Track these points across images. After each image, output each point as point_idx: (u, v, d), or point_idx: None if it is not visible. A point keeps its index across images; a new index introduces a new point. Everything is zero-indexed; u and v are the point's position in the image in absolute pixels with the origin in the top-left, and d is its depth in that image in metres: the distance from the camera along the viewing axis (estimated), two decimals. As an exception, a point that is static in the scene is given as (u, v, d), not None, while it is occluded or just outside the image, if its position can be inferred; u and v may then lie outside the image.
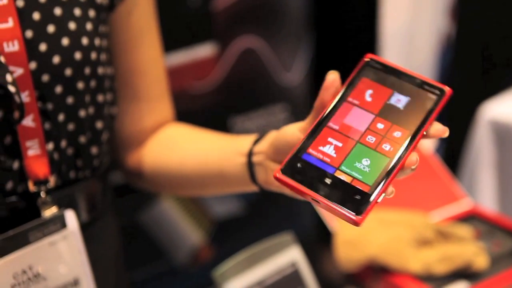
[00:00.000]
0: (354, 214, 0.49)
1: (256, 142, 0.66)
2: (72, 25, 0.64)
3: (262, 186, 0.66)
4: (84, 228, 0.67)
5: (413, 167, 0.53)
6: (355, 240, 1.06)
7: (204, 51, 1.55)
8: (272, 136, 0.63)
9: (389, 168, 0.51)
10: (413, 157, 0.53)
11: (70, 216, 0.62)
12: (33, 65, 0.62)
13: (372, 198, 0.50)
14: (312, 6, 1.80)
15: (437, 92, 0.55)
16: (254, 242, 0.87)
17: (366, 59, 0.56)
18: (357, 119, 0.54)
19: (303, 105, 1.74)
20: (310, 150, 0.52)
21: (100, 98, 0.69)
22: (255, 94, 1.68)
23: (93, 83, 0.67)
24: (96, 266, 0.67)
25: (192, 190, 0.76)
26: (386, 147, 0.52)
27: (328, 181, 0.51)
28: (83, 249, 0.63)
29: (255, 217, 1.69)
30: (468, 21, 2.23)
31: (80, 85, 0.66)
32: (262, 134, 0.67)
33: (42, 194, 0.63)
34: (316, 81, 1.81)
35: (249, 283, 0.85)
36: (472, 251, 1.05)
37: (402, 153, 0.52)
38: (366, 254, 1.04)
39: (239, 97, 1.65)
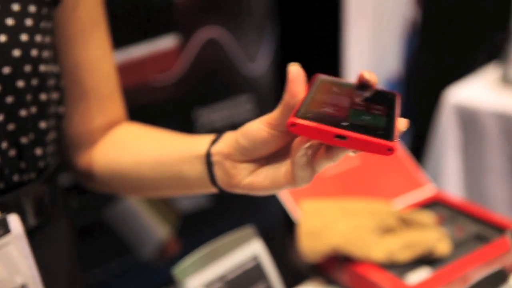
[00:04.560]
0: (387, 140, 0.47)
1: (213, 142, 0.64)
2: (9, 21, 0.62)
3: (223, 188, 0.63)
4: (33, 232, 0.65)
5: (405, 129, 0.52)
6: (317, 230, 1.05)
7: (166, 43, 1.53)
8: (230, 136, 0.61)
9: (389, 120, 0.50)
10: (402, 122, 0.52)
11: (14, 221, 0.60)
12: None
13: (394, 128, 0.48)
14: (275, -5, 1.79)
15: (389, 96, 0.55)
16: (221, 235, 0.86)
17: (316, 78, 0.54)
18: (337, 100, 0.52)
19: (268, 95, 1.73)
20: (313, 109, 0.50)
21: (43, 97, 0.67)
22: (219, 85, 1.66)
23: (34, 82, 0.65)
24: (47, 271, 0.65)
25: (147, 191, 0.74)
26: (377, 110, 0.51)
27: (345, 124, 0.48)
28: (29, 254, 0.61)
29: (222, 209, 1.68)
30: (434, 7, 2.24)
31: (20, 83, 0.63)
32: (218, 135, 0.65)
33: None
34: (280, 71, 1.80)
35: (210, 279, 0.84)
36: (434, 237, 1.06)
37: (393, 113, 0.51)
38: (329, 244, 1.04)
39: (203, 88, 1.63)
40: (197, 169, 0.64)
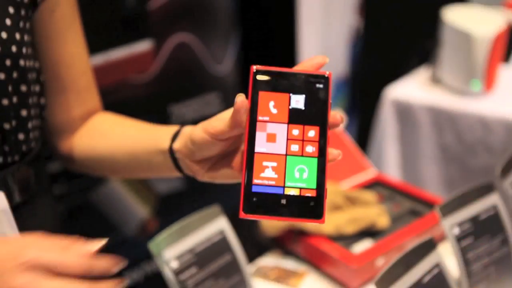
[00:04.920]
0: (316, 218, 0.50)
1: (174, 138, 0.62)
2: None
3: (194, 177, 0.62)
4: (18, 208, 0.64)
5: (338, 158, 0.52)
6: (276, 208, 1.05)
7: (142, 46, 1.50)
8: (186, 136, 0.60)
9: (320, 166, 0.51)
10: (334, 151, 0.52)
11: (0, 197, 0.58)
12: None
13: (322, 199, 0.50)
14: (238, 5, 1.77)
15: (322, 80, 0.53)
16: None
17: (253, 71, 0.52)
18: (275, 134, 0.51)
19: (232, 92, 1.72)
20: (255, 181, 0.50)
21: (23, 88, 0.65)
22: (190, 84, 1.65)
23: (15, 74, 0.63)
24: None
25: (122, 174, 0.73)
26: (309, 149, 0.51)
27: (283, 201, 0.50)
28: (15, 226, 0.59)
29: (195, 191, 1.67)
30: (374, 17, 2.25)
31: (1, 76, 0.62)
32: (178, 130, 0.63)
33: None
34: (243, 71, 1.79)
35: (181, 251, 0.83)
36: (375, 213, 1.06)
37: (323, 148, 0.51)
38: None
39: (177, 87, 1.61)
40: (165, 160, 0.63)
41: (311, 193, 0.50)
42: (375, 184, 1.23)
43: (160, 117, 1.58)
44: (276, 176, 0.50)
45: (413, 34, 2.08)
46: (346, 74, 2.36)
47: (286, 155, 0.51)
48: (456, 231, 0.83)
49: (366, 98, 2.22)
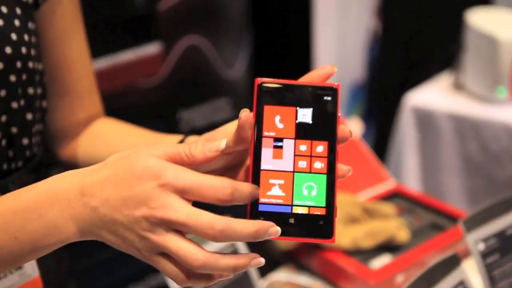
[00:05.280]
0: (326, 238, 0.50)
1: None
2: (0, 22, 0.61)
3: None
4: None
5: (348, 174, 0.52)
6: (289, 220, 1.05)
7: (151, 49, 1.51)
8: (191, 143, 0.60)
9: (330, 183, 0.51)
10: (344, 167, 0.51)
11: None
12: None
13: (332, 217, 0.50)
14: (250, 7, 1.78)
15: (330, 92, 0.52)
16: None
17: (258, 84, 0.52)
18: (282, 150, 0.51)
19: (244, 97, 1.72)
20: (262, 200, 0.50)
21: (30, 91, 0.66)
22: (200, 88, 1.65)
23: (24, 77, 0.64)
24: None
25: None
26: (318, 165, 0.51)
27: (292, 220, 0.50)
28: None
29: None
30: (393, 19, 2.25)
31: (12, 78, 0.62)
32: (183, 138, 0.63)
33: None
34: (255, 75, 1.79)
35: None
36: (394, 226, 1.06)
37: (332, 164, 0.51)
38: (300, 233, 1.03)
39: (186, 91, 1.62)
40: None
41: (321, 212, 0.50)
42: (394, 196, 1.22)
43: (168, 122, 1.59)
44: (283, 194, 0.50)
45: (434, 37, 2.08)
46: (363, 79, 2.35)
47: (293, 172, 0.51)
48: (481, 247, 0.82)
49: (384, 105, 2.21)
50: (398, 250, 1.05)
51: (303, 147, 0.51)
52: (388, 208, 1.11)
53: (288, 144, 0.51)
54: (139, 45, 1.49)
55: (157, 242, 0.46)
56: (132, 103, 1.51)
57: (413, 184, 1.73)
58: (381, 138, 2.10)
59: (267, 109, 0.51)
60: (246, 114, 0.50)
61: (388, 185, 1.25)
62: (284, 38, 1.96)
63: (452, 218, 1.12)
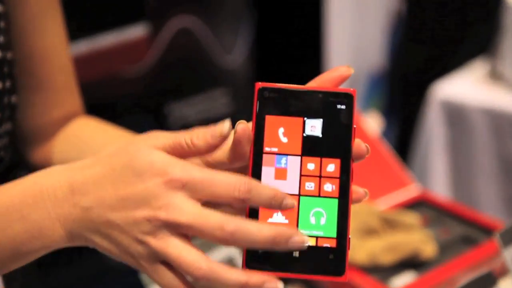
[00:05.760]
0: (337, 275, 0.49)
1: None
2: None
3: None
4: None
5: (365, 198, 0.51)
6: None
7: (136, 32, 1.51)
8: None
9: (342, 209, 0.50)
10: (360, 190, 0.51)
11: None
12: None
13: (344, 251, 0.49)
14: (252, -18, 1.78)
15: (344, 99, 0.51)
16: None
17: (259, 89, 0.51)
18: (286, 169, 0.50)
19: (245, 88, 1.73)
20: None
21: None
22: (193, 78, 1.65)
23: None
24: None
25: None
26: (328, 187, 0.50)
27: (296, 253, 0.49)
28: None
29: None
30: (419, -2, 2.24)
31: None
32: None
33: None
34: (258, 63, 1.79)
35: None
36: (419, 239, 1.06)
37: (346, 186, 0.50)
38: (309, 246, 1.03)
39: (176, 81, 1.62)
40: None
41: (330, 243, 0.49)
42: (418, 204, 1.22)
43: (156, 118, 1.59)
44: (286, 221, 0.50)
45: (466, 19, 2.07)
46: (383, 68, 2.35)
47: (299, 195, 0.50)
48: (520, 263, 0.82)
49: (408, 98, 2.21)
50: (423, 267, 1.04)
51: (311, 165, 0.51)
52: (412, 218, 1.11)
53: (293, 162, 0.50)
54: (122, 26, 1.49)
55: (157, 248, 0.46)
56: (113, 95, 1.51)
57: (441, 190, 1.73)
58: (404, 136, 2.10)
59: (269, 120, 0.51)
60: (243, 127, 0.49)
61: (412, 191, 1.25)
62: (291, 19, 1.96)
63: (487, 230, 1.12)
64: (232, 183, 0.46)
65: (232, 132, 0.51)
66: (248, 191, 0.46)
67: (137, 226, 0.46)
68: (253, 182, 0.47)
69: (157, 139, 0.49)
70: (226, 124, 0.49)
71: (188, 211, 0.46)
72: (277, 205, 0.47)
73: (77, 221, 0.48)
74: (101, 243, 0.48)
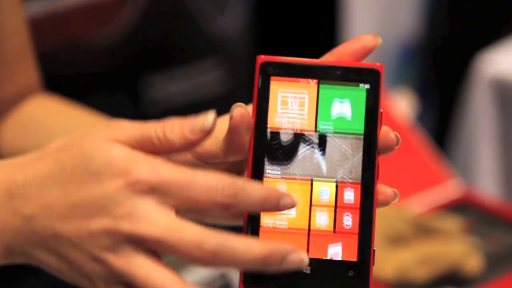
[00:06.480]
0: None
1: None
2: None
3: None
4: None
5: (394, 201, 0.50)
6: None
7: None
8: None
9: (365, 213, 0.50)
10: (388, 189, 0.50)
11: None
12: None
13: (367, 266, 0.49)
14: None
15: (368, 76, 0.52)
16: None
17: (261, 63, 0.51)
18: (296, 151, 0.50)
19: (242, 59, 1.72)
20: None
21: None
22: (176, 46, 1.66)
23: None
24: None
25: None
26: (345, 177, 0.50)
27: (307, 270, 0.49)
28: None
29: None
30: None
31: None
32: None
33: None
34: (258, 27, 1.79)
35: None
36: (461, 251, 1.06)
37: (370, 186, 0.50)
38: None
39: (155, 50, 1.62)
40: None
41: (349, 257, 0.49)
42: (461, 206, 1.23)
43: (130, 94, 1.59)
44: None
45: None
46: (417, 37, 2.36)
47: (311, 180, 0.50)
48: None
49: (448, 73, 2.21)
50: (466, 284, 1.05)
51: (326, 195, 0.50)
52: (452, 224, 1.12)
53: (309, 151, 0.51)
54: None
55: (118, 267, 0.46)
56: (78, 66, 1.51)
57: (489, 188, 1.73)
58: (443, 121, 2.11)
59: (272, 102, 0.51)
60: (241, 112, 0.49)
61: (453, 190, 1.25)
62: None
63: (546, 240, 1.13)
64: (214, 185, 0.46)
65: (226, 117, 0.50)
66: (233, 195, 0.45)
67: (93, 240, 0.46)
68: (239, 182, 0.46)
69: (120, 130, 0.48)
70: (210, 117, 0.48)
71: (157, 221, 0.45)
72: (272, 207, 0.47)
73: (17, 234, 0.48)
74: (48, 261, 0.48)
